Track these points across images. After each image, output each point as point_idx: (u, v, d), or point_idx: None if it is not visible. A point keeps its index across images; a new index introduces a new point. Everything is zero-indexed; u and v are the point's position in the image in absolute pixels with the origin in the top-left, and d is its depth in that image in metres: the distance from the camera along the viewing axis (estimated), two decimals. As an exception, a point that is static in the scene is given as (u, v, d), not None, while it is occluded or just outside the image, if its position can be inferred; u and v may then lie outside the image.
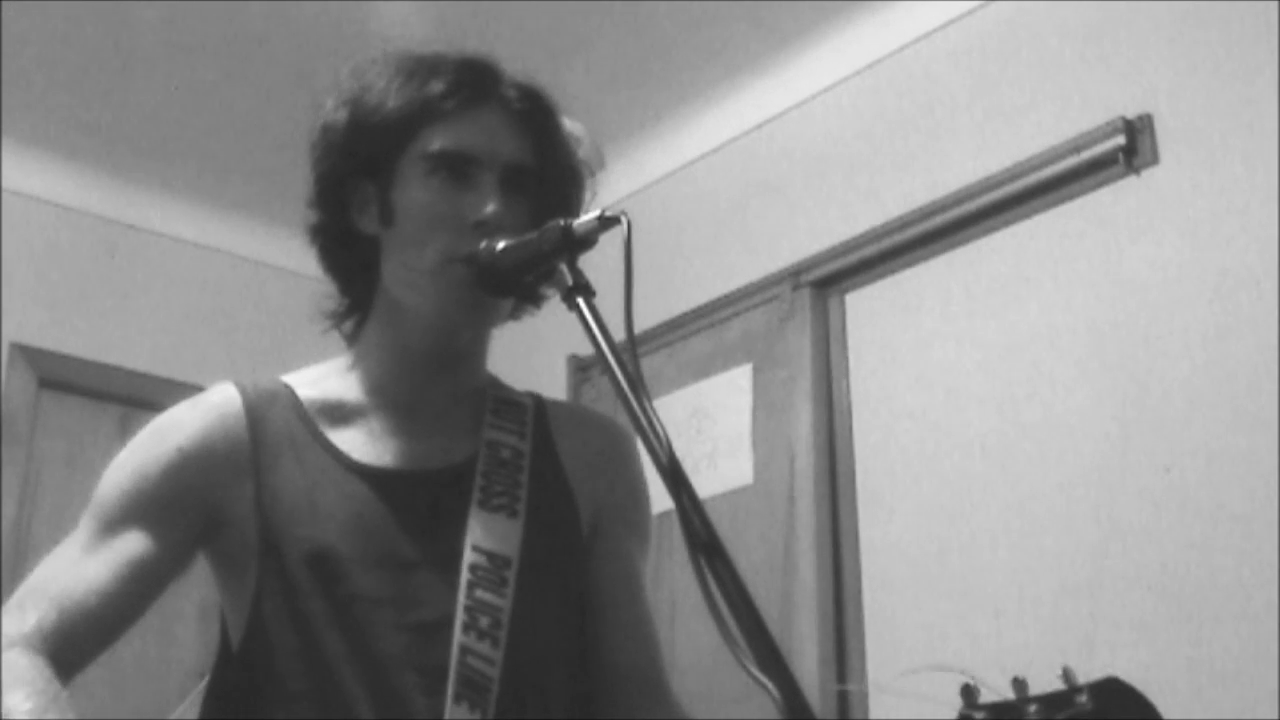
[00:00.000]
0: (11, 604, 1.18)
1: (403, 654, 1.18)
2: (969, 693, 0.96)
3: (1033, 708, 0.93)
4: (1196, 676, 2.18)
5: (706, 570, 0.95)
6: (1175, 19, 2.51)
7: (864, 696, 2.66)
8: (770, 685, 0.89)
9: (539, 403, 1.41)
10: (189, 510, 1.24)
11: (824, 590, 2.77)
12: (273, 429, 1.28)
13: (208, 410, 1.29)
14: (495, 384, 1.41)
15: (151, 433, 1.28)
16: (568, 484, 1.35)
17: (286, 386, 1.33)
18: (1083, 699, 0.92)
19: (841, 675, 2.72)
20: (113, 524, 1.22)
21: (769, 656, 0.90)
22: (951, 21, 2.92)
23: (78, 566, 1.20)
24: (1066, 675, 0.94)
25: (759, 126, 3.32)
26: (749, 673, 0.90)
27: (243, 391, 1.30)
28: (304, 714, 1.18)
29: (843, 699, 2.69)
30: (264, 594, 1.21)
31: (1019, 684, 0.95)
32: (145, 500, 1.23)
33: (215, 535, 1.26)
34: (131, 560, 1.20)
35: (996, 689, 0.95)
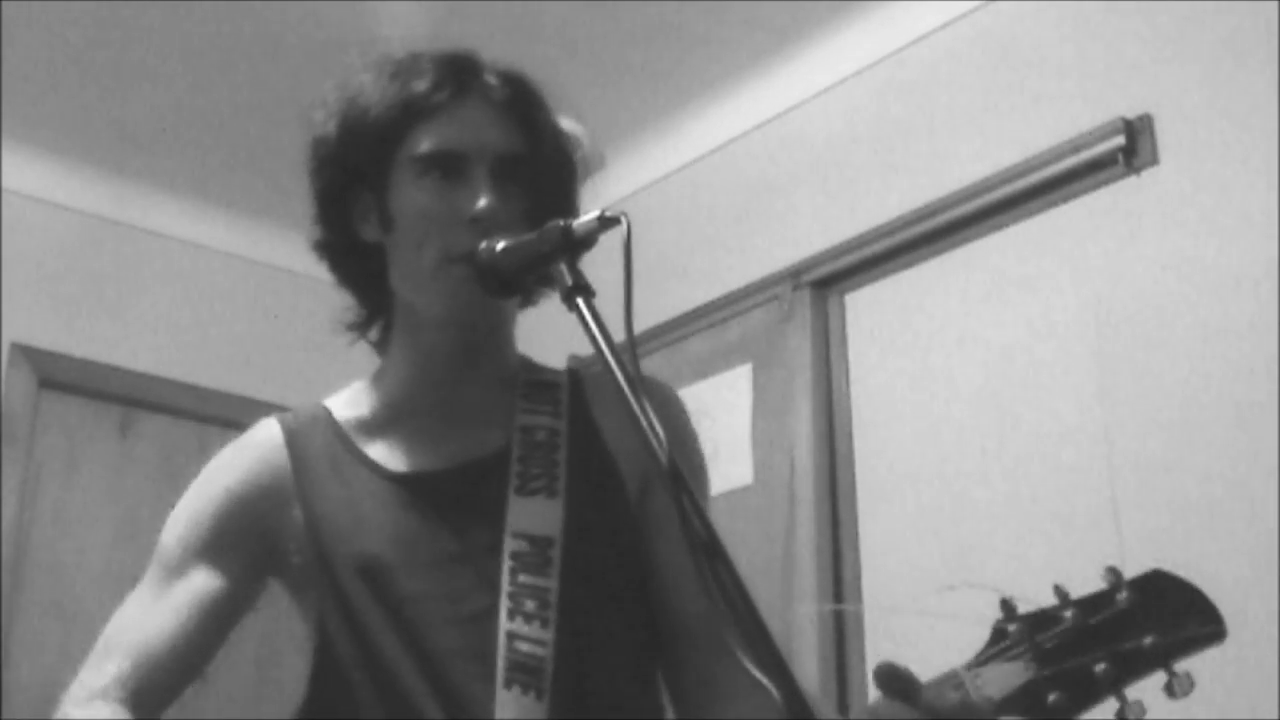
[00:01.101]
0: (91, 659, 1.23)
1: (456, 646, 1.20)
2: (1007, 606, 0.95)
3: (1070, 613, 0.92)
4: (1196, 677, 2.17)
5: (706, 570, 0.95)
6: (1175, 19, 2.51)
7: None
8: (770, 685, 0.89)
9: (575, 378, 1.41)
10: (245, 545, 1.29)
11: (824, 590, 2.77)
12: (313, 454, 1.31)
13: (250, 448, 1.34)
14: (528, 366, 1.42)
15: (201, 480, 1.34)
16: (609, 455, 1.34)
17: (324, 409, 1.36)
18: (1122, 596, 0.92)
19: (842, 675, 2.72)
20: (176, 570, 1.27)
21: (769, 656, 0.90)
22: (951, 21, 2.92)
23: (148, 614, 1.25)
24: (1111, 572, 0.93)
25: (759, 126, 3.32)
26: (749, 672, 0.90)
27: (283, 423, 1.35)
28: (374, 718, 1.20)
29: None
30: (325, 611, 1.25)
31: (1059, 590, 0.95)
32: (203, 543, 1.28)
33: (278, 564, 1.30)
34: (199, 602, 1.25)
35: (1033, 599, 0.94)
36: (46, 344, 3.50)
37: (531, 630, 1.21)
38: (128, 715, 1.17)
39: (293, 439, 1.33)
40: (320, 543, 1.26)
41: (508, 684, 1.18)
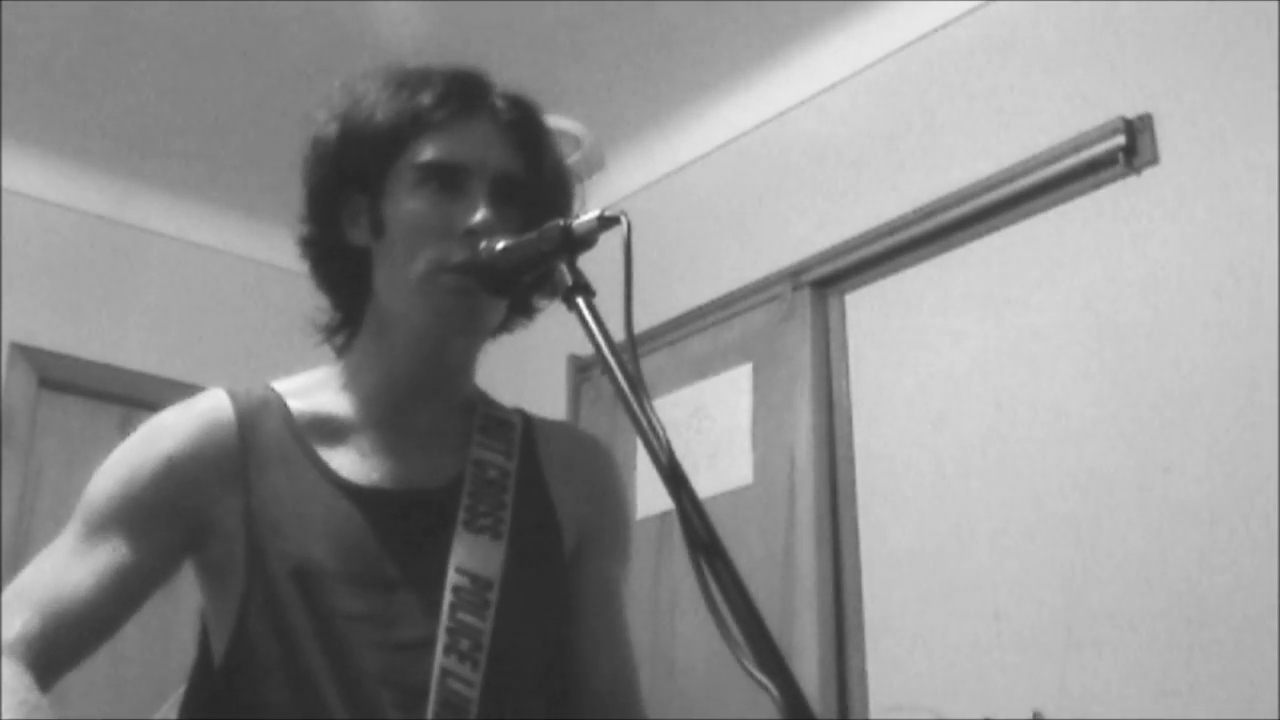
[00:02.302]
0: None
1: (382, 672, 1.19)
2: None
3: None
4: (1196, 676, 2.18)
5: (706, 570, 0.95)
6: (1175, 19, 2.51)
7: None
8: (770, 685, 0.89)
9: (527, 421, 1.41)
10: (176, 518, 1.24)
11: (824, 590, 2.77)
12: (263, 440, 1.27)
13: (199, 417, 1.28)
14: (484, 400, 1.41)
15: (141, 438, 1.28)
16: (552, 504, 1.35)
17: (277, 396, 1.32)
18: None
19: (841, 675, 2.72)
20: (99, 529, 1.22)
21: (769, 656, 0.90)
22: (951, 21, 2.93)
23: (63, 572, 1.20)
24: (1036, 718, 0.94)
25: (759, 126, 3.32)
26: (749, 673, 0.90)
27: (234, 399, 1.30)
28: None
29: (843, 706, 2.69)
30: (249, 605, 1.21)
31: None
32: (133, 507, 1.23)
33: (203, 544, 1.25)
34: (117, 568, 1.20)
35: None
36: (46, 344, 3.50)
37: (463, 670, 1.20)
38: (30, 676, 1.12)
39: (244, 419, 1.28)
40: (257, 535, 1.22)
41: (437, 719, 1.17)
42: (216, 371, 3.71)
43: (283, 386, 1.34)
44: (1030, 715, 0.95)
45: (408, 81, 1.32)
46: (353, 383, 1.33)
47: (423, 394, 1.32)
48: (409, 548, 1.25)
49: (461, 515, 1.27)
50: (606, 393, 3.30)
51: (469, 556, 1.25)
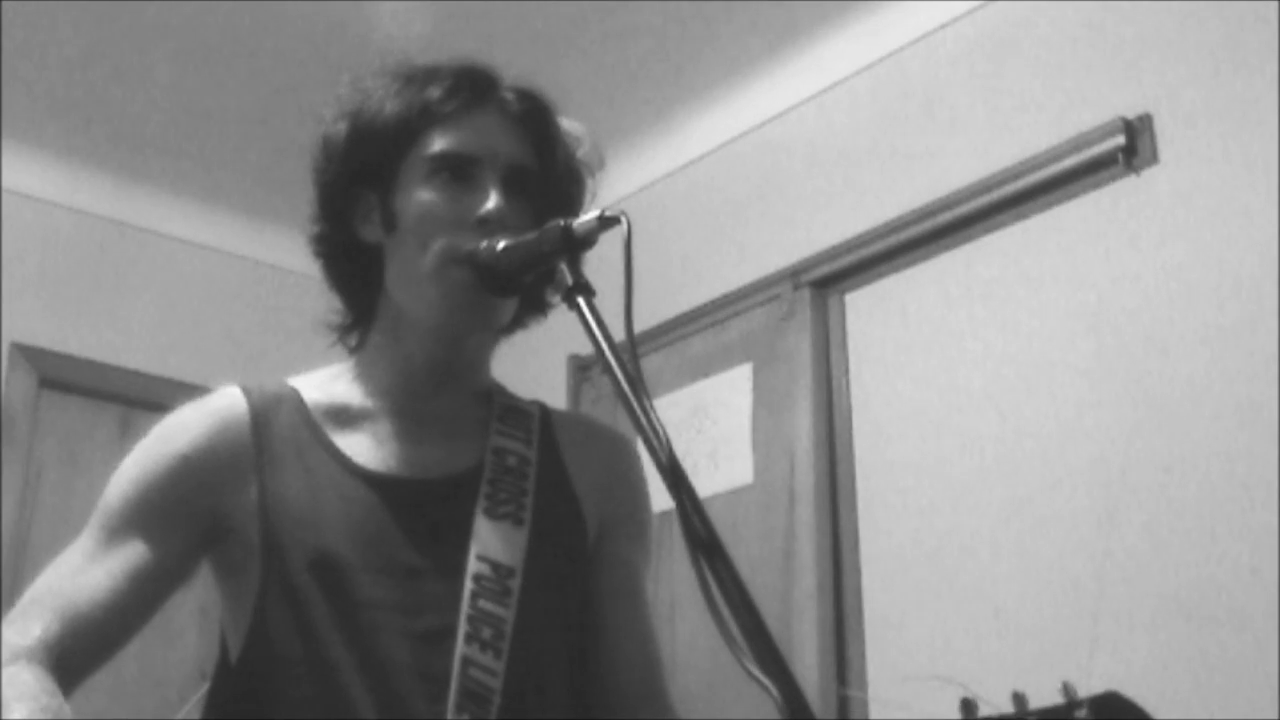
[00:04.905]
0: (15, 613, 1.19)
1: (406, 661, 1.18)
2: (968, 706, 0.95)
3: None
4: (1196, 676, 2.18)
5: (706, 570, 0.95)
6: (1175, 19, 2.52)
7: (864, 703, 2.65)
8: (770, 685, 0.89)
9: (545, 411, 1.41)
10: (193, 517, 1.24)
11: (824, 590, 2.77)
12: (277, 433, 1.27)
13: (212, 414, 1.28)
14: (501, 391, 1.41)
15: (156, 438, 1.28)
16: (573, 493, 1.34)
17: (293, 389, 1.32)
18: (1082, 713, 0.92)
19: (841, 675, 2.72)
20: (116, 531, 1.22)
21: (769, 656, 0.90)
22: (951, 21, 2.93)
23: (81, 575, 1.20)
24: (1066, 689, 0.93)
25: (759, 126, 3.32)
26: (749, 673, 0.90)
27: (248, 395, 1.30)
28: (307, 718, 1.17)
29: (843, 704, 2.68)
30: (267, 599, 1.21)
31: (1018, 698, 0.95)
32: (149, 508, 1.23)
33: (219, 541, 1.25)
34: (135, 569, 1.20)
35: (994, 701, 0.95)
36: (46, 344, 3.50)
37: (485, 659, 1.19)
38: (52, 680, 1.12)
39: (258, 414, 1.28)
40: (273, 528, 1.22)
41: (459, 709, 1.16)
42: (216, 371, 3.69)
43: (299, 381, 1.35)
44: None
45: (416, 76, 1.32)
46: (368, 374, 1.34)
47: (438, 387, 1.32)
48: (429, 535, 1.24)
49: (481, 502, 1.27)
50: (606, 392, 3.30)
51: (490, 544, 1.24)
